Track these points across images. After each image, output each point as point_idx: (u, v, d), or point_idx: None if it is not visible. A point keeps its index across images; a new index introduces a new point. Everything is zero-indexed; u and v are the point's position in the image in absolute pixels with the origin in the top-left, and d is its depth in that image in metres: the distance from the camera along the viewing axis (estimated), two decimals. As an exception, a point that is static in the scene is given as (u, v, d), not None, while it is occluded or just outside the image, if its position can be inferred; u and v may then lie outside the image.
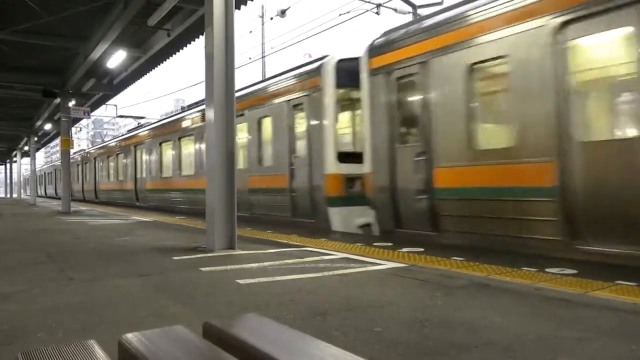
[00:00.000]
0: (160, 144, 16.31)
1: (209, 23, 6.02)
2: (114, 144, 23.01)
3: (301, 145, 9.21)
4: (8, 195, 45.73)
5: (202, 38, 10.07)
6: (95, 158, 25.57)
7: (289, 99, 9.50)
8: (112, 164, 22.25)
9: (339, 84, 8.52)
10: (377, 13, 13.13)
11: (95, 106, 19.08)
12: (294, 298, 3.45)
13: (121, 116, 27.11)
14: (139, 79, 14.86)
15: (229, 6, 6.06)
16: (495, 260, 4.79)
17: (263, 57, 22.85)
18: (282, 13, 18.41)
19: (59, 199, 19.83)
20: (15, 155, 35.92)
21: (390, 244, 6.36)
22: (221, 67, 5.99)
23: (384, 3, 12.98)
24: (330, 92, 8.49)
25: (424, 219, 6.55)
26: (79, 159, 28.85)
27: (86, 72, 13.13)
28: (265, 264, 4.89)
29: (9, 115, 20.99)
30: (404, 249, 5.80)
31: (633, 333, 2.61)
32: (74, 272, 4.66)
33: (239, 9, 8.72)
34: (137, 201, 18.54)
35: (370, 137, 7.48)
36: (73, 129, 20.10)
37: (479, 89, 6.10)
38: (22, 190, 41.51)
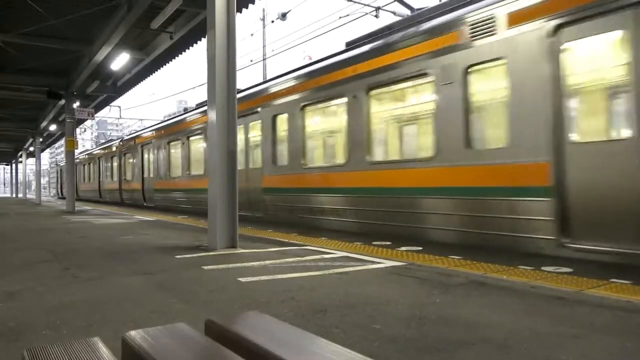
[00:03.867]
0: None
1: (211, 26, 6.08)
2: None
3: None
4: (14, 195, 45.92)
5: (204, 41, 10.18)
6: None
7: None
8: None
9: None
10: (377, 16, 13.16)
11: (99, 107, 19.15)
12: (295, 296, 3.49)
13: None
14: (142, 80, 14.91)
15: (231, 9, 6.12)
16: (492, 259, 4.85)
17: (264, 59, 22.86)
18: (283, 16, 18.36)
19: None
20: (21, 156, 36.08)
21: (389, 242, 6.42)
22: (223, 69, 6.05)
23: (382, 6, 13.01)
24: None
25: None
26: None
27: (90, 74, 13.24)
28: (267, 262, 4.95)
29: (15, 116, 21.11)
30: (403, 248, 5.86)
31: (627, 330, 2.63)
32: (78, 270, 4.71)
33: (241, 12, 8.79)
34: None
35: None
36: (77, 130, 20.11)
37: None
38: (27, 190, 41.52)
